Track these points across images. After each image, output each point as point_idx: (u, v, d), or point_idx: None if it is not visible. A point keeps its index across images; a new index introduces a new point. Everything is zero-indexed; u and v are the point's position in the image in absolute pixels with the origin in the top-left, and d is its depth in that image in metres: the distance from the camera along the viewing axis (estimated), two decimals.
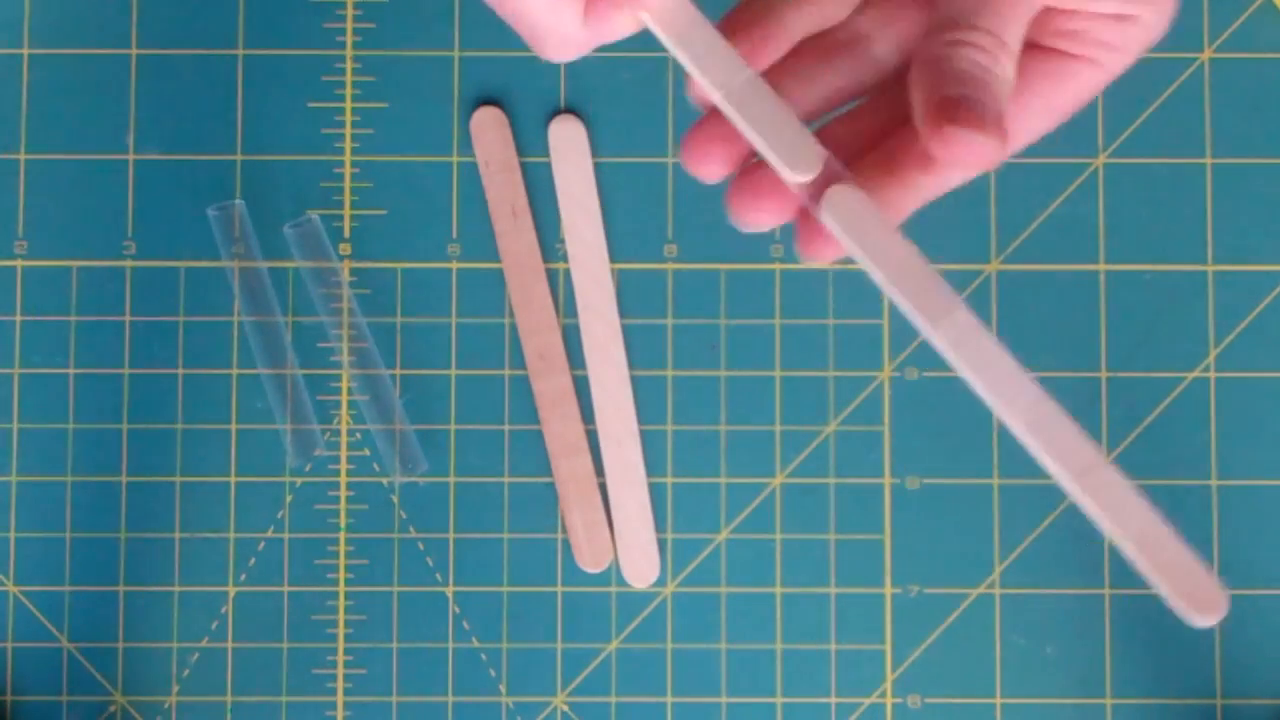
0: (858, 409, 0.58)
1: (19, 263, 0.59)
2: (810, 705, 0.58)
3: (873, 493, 0.58)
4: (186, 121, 0.59)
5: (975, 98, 0.31)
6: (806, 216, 0.33)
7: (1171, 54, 0.59)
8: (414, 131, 0.59)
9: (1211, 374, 0.58)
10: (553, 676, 0.58)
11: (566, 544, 0.58)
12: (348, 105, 0.59)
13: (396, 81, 0.59)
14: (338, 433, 0.59)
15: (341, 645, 0.58)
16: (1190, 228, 0.59)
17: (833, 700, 0.58)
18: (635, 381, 0.59)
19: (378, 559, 0.58)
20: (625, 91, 0.59)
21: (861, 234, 0.32)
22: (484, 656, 0.58)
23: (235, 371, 0.59)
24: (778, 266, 0.59)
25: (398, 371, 0.59)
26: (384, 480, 0.58)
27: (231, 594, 0.58)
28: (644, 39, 0.61)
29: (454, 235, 0.59)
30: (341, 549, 0.58)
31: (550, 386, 0.58)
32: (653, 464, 0.58)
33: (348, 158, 0.59)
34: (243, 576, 0.58)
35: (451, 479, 0.58)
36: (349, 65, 0.60)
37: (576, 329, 0.59)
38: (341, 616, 0.58)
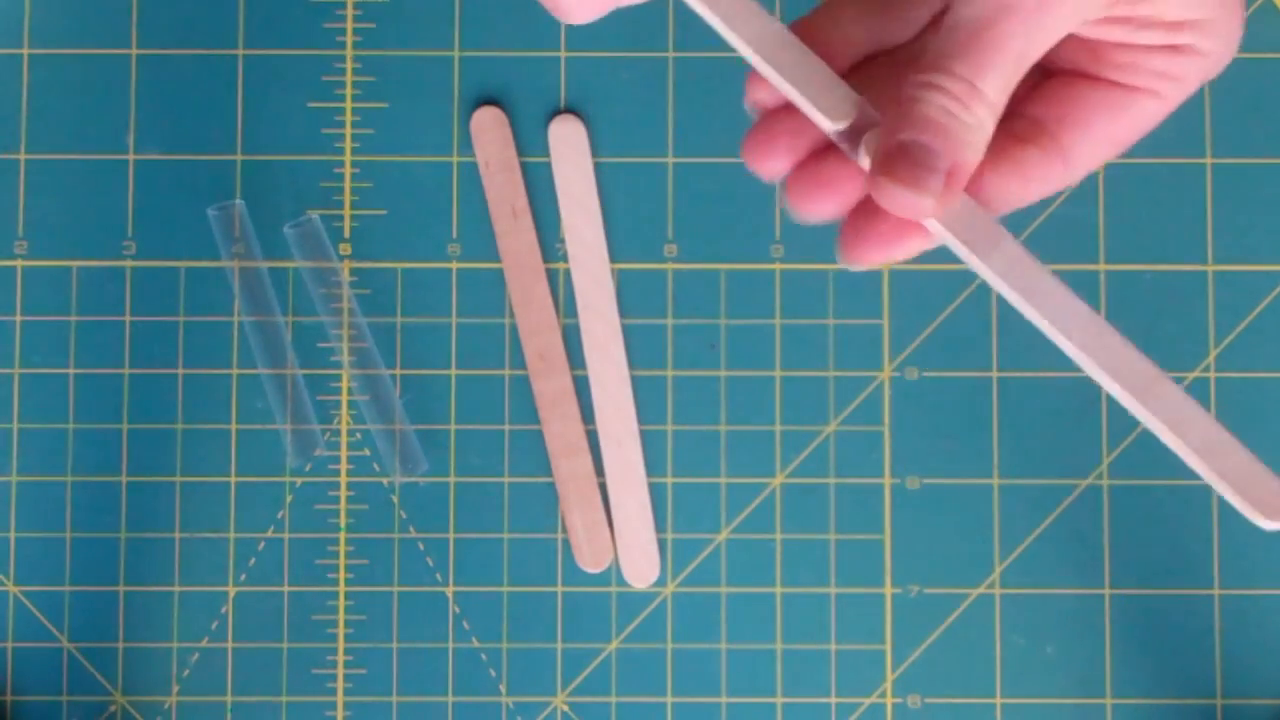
0: (858, 409, 0.58)
1: (19, 263, 0.59)
2: (810, 705, 0.58)
3: (873, 493, 0.58)
4: (186, 121, 0.59)
5: (929, 145, 0.30)
6: (855, 216, 0.33)
7: None
8: (414, 131, 0.59)
9: (1211, 374, 0.58)
10: (553, 676, 0.58)
11: (566, 544, 0.58)
12: (348, 105, 0.59)
13: (396, 81, 0.59)
14: (338, 433, 0.59)
15: (341, 645, 0.58)
16: (1190, 228, 0.59)
17: (833, 700, 0.58)
18: (635, 381, 0.59)
19: (378, 559, 0.58)
20: (625, 91, 0.59)
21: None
22: (484, 656, 0.58)
23: (235, 371, 0.59)
24: (778, 266, 0.59)
25: (398, 371, 0.59)
26: (384, 480, 0.58)
27: (231, 594, 0.58)
28: (644, 40, 0.61)
29: (454, 235, 0.59)
30: (341, 549, 0.58)
31: (550, 386, 0.58)
32: (653, 464, 0.58)
33: (348, 158, 0.59)
34: (243, 576, 0.58)
35: (451, 479, 0.58)
36: (349, 65, 0.60)
37: (576, 329, 0.59)
38: (341, 616, 0.58)
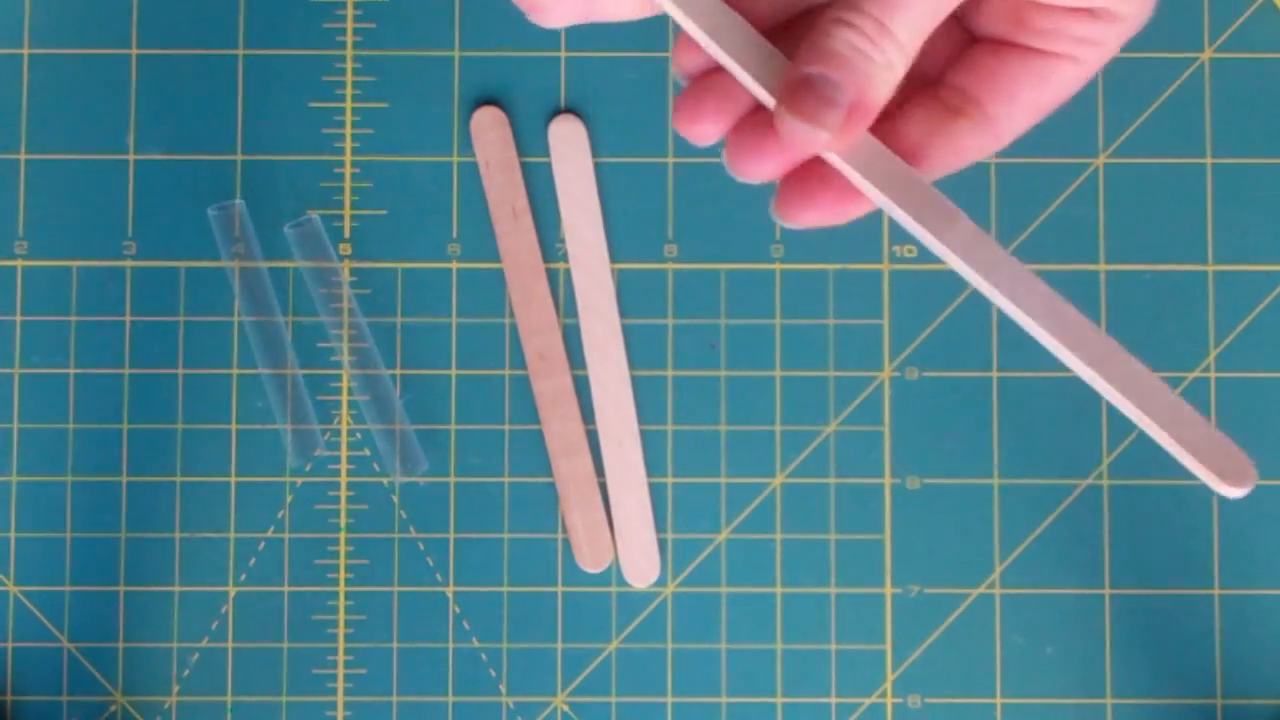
0: (858, 409, 0.58)
1: (19, 263, 0.59)
2: (810, 705, 0.58)
3: (873, 493, 0.58)
4: (186, 121, 0.59)
5: (831, 78, 0.31)
6: (790, 177, 0.33)
7: (1171, 54, 0.59)
8: (414, 131, 0.59)
9: (1211, 374, 0.58)
10: (553, 676, 0.58)
11: (567, 544, 0.58)
12: (348, 105, 0.59)
13: (396, 81, 0.59)
14: (338, 433, 0.59)
15: (341, 645, 0.58)
16: (1190, 228, 0.59)
17: (833, 700, 0.58)
18: (635, 381, 0.59)
19: (378, 559, 0.58)
20: (625, 91, 0.59)
21: (857, 156, 0.32)
22: (484, 656, 0.58)
23: (235, 371, 0.59)
24: (778, 266, 0.59)
25: (398, 371, 0.59)
26: (384, 480, 0.58)
27: (231, 594, 0.58)
28: (643, 39, 0.61)
29: (454, 235, 0.59)
30: (341, 549, 0.58)
31: (550, 386, 0.58)
32: (653, 464, 0.58)
33: (348, 158, 0.59)
34: (243, 576, 0.58)
35: (452, 479, 0.58)
36: (349, 65, 0.60)
37: (576, 329, 0.59)
38: (341, 616, 0.58)
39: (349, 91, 0.59)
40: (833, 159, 0.32)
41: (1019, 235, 0.59)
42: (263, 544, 0.58)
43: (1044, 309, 0.31)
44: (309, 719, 0.58)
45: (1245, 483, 0.30)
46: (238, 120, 0.59)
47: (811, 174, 0.33)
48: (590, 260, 0.59)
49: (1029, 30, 0.34)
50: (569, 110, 0.59)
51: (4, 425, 0.58)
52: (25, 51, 0.59)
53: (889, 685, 0.58)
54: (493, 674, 0.58)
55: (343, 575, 0.58)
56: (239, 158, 0.59)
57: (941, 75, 0.35)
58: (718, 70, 0.33)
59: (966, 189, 0.59)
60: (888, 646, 0.58)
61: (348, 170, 0.59)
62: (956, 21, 0.35)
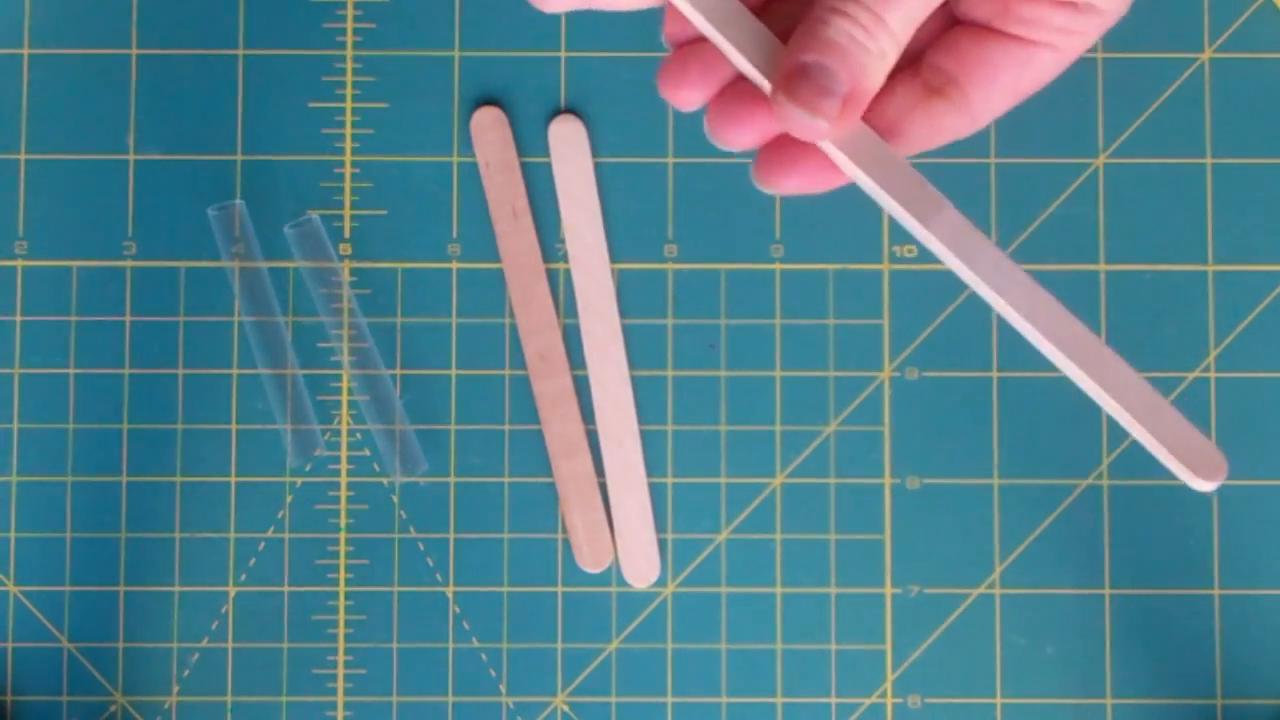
0: (858, 409, 0.58)
1: (19, 263, 0.59)
2: (810, 705, 0.58)
3: (873, 493, 0.58)
4: (186, 121, 0.59)
5: (829, 67, 0.32)
6: (771, 144, 0.34)
7: (1171, 54, 0.59)
8: (414, 131, 0.59)
9: (1211, 374, 0.58)
10: (553, 676, 0.58)
11: (567, 544, 0.58)
12: (348, 105, 0.59)
13: (396, 81, 0.59)
14: (338, 433, 0.59)
15: (341, 645, 0.58)
16: (1190, 228, 0.59)
17: (833, 700, 0.58)
18: (635, 381, 0.59)
19: (378, 559, 0.58)
20: (625, 91, 0.59)
21: (845, 140, 0.33)
22: (484, 656, 0.58)
23: (235, 371, 0.59)
24: (778, 266, 0.59)
25: (398, 371, 0.59)
26: (384, 480, 0.58)
27: (231, 594, 0.58)
28: (643, 39, 0.61)
29: (454, 235, 0.59)
30: (342, 549, 0.58)
31: (550, 386, 0.58)
32: (653, 464, 0.58)
33: (348, 158, 0.59)
34: (243, 576, 0.58)
35: (451, 479, 0.58)
36: (349, 65, 0.60)
37: (576, 329, 0.59)
38: (341, 616, 0.58)
39: (349, 91, 0.59)
40: (825, 145, 0.33)
41: (1019, 235, 0.59)
42: (263, 544, 0.58)
43: (1025, 299, 0.32)
44: (309, 719, 0.58)
45: (1216, 476, 0.30)
46: (238, 120, 0.59)
47: (791, 142, 0.34)
48: (590, 260, 0.59)
49: (1012, 18, 0.35)
50: (569, 110, 0.59)
51: (4, 425, 0.58)
52: (25, 51, 0.59)
53: (889, 685, 0.58)
54: (493, 674, 0.58)
55: (343, 575, 0.58)
56: (239, 158, 0.59)
57: (922, 53, 0.35)
58: (703, 38, 0.34)
59: (967, 189, 0.59)
60: (888, 646, 0.58)
61: (348, 170, 0.59)
62: (941, 4, 0.36)
